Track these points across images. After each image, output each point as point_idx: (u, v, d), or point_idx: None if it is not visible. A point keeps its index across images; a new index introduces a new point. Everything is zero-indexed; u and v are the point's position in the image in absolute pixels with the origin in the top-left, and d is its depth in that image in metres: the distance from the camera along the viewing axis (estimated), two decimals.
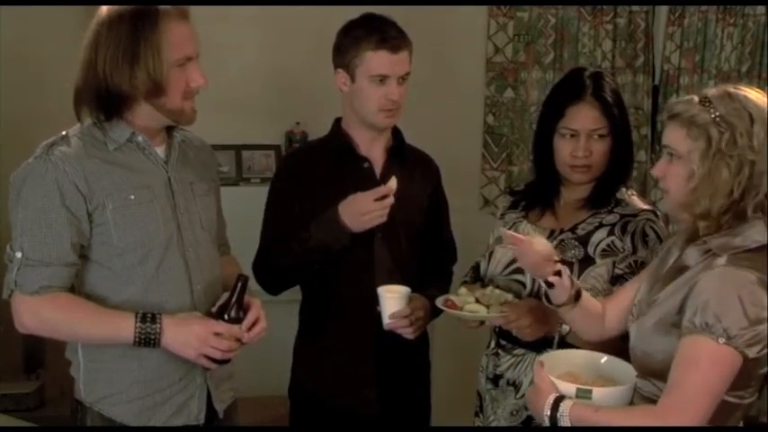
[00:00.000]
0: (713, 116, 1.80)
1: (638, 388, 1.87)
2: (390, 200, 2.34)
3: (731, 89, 1.84)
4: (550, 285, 2.06)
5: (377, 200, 2.33)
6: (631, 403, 1.87)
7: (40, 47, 3.52)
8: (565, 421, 1.80)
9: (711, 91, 1.86)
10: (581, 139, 2.31)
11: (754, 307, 1.72)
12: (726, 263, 1.78)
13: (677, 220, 1.95)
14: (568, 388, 1.84)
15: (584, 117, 2.31)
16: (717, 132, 1.79)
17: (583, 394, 1.82)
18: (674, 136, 1.86)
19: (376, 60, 2.41)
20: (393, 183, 2.36)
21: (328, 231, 2.38)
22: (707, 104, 1.81)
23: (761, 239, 1.79)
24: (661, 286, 1.91)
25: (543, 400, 1.84)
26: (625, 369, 1.92)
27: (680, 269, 1.88)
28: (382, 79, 2.42)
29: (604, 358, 2.00)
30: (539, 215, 2.43)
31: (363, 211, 2.34)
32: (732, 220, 1.81)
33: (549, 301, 2.12)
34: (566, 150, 2.33)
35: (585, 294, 2.10)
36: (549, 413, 1.83)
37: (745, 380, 1.79)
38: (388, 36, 2.41)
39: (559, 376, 1.89)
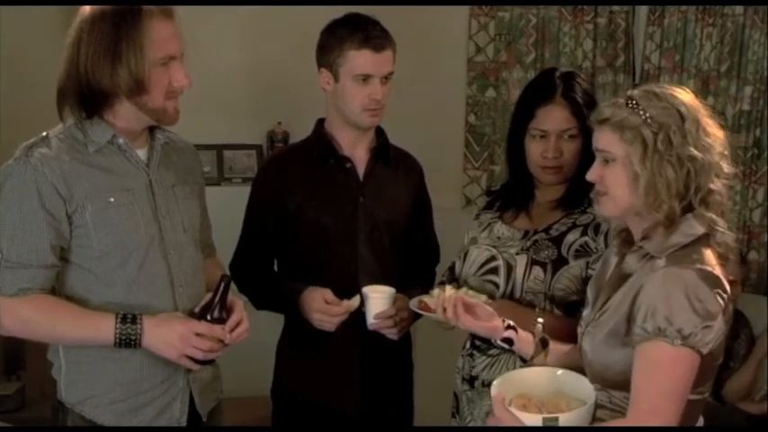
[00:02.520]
0: (644, 118, 1.80)
1: (600, 400, 1.85)
2: (344, 317, 2.37)
3: (656, 88, 1.85)
4: (509, 342, 2.08)
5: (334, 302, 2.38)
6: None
7: (18, 48, 3.49)
8: None
9: (636, 92, 1.86)
10: (551, 139, 2.31)
11: (700, 303, 1.72)
12: (666, 263, 1.78)
13: (624, 223, 1.93)
14: (534, 420, 1.78)
15: (553, 118, 2.31)
16: (650, 133, 1.79)
17: (550, 422, 1.78)
18: (606, 140, 1.85)
19: (359, 60, 2.41)
20: (355, 302, 2.37)
21: (290, 302, 2.43)
22: (634, 106, 1.82)
23: (694, 232, 1.80)
24: (606, 295, 1.90)
25: None
26: (580, 381, 1.89)
27: (623, 277, 1.88)
28: (366, 78, 2.42)
29: (560, 371, 1.96)
30: (513, 216, 2.43)
31: (315, 317, 2.39)
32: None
33: (522, 360, 2.13)
34: (536, 151, 2.33)
35: (553, 343, 2.08)
36: None
37: (705, 376, 1.80)
38: (372, 35, 2.41)
39: (512, 400, 1.84)
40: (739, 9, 3.77)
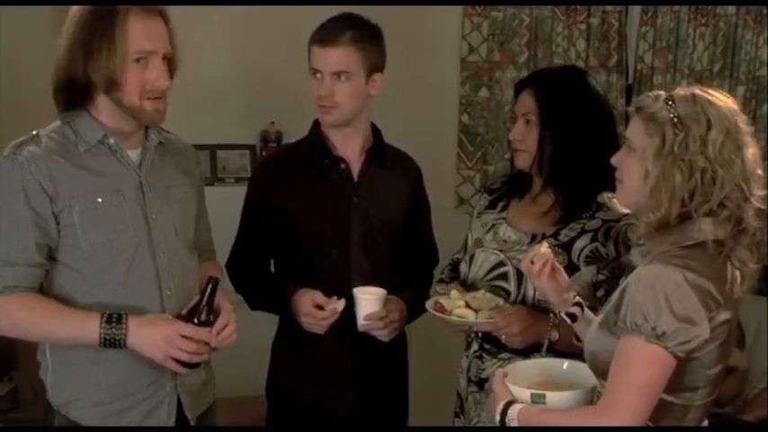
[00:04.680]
0: (672, 116, 1.79)
1: (598, 391, 1.87)
2: (333, 319, 2.37)
3: (698, 91, 1.82)
4: (573, 318, 2.06)
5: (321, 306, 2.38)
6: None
7: (17, 48, 3.49)
8: (513, 424, 1.82)
9: (680, 90, 1.84)
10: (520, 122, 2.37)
11: (680, 305, 1.71)
12: (656, 261, 1.77)
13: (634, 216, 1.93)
14: (522, 393, 1.85)
15: (522, 104, 2.36)
16: (672, 133, 1.78)
17: (537, 399, 1.83)
18: (633, 129, 1.85)
19: (311, 53, 2.43)
20: (340, 304, 2.37)
21: (284, 303, 2.43)
22: (670, 103, 1.80)
23: (697, 237, 1.77)
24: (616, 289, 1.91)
25: (497, 405, 1.86)
26: (586, 373, 1.91)
27: (629, 269, 1.88)
28: (316, 73, 2.42)
29: (566, 363, 1.99)
30: (515, 211, 2.42)
31: (304, 320, 2.39)
32: (676, 222, 1.79)
33: (577, 339, 2.12)
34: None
35: None
36: (499, 417, 1.85)
37: (690, 381, 1.78)
38: (325, 30, 2.40)
39: (532, 386, 1.88)
40: (732, 9, 3.78)
